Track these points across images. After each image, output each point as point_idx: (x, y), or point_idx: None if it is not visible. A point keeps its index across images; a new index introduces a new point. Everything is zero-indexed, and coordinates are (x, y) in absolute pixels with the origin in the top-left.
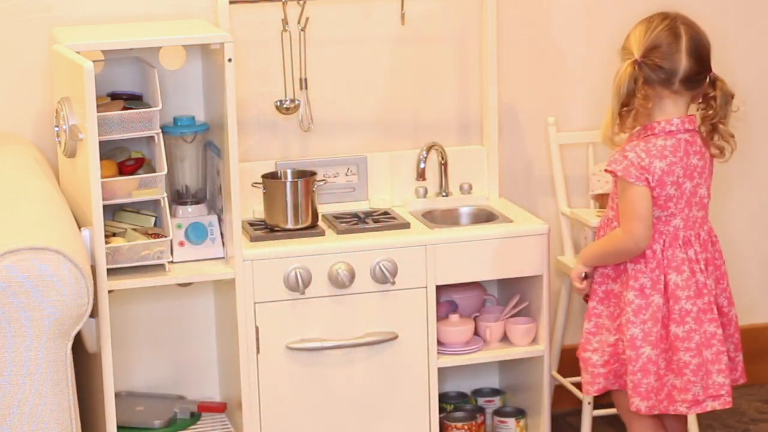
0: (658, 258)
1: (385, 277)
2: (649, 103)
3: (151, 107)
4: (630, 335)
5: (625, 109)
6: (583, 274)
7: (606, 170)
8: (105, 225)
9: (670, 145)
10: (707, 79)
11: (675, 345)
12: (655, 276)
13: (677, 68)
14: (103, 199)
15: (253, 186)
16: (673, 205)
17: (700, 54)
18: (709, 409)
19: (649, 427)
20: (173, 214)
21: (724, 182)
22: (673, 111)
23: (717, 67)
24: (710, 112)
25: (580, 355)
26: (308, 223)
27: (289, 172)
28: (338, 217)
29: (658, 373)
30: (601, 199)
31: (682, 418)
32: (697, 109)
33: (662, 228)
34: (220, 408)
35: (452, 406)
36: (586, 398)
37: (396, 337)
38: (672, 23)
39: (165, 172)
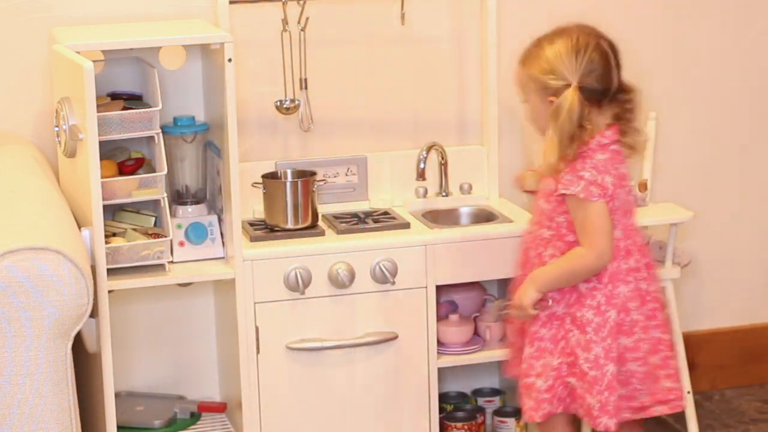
0: (609, 272)
1: (385, 277)
2: (595, 131)
3: (151, 107)
4: (594, 355)
5: (569, 139)
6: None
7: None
8: (105, 225)
9: (609, 159)
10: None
11: (624, 356)
12: (608, 291)
13: (611, 87)
14: (103, 199)
15: (253, 186)
16: (615, 216)
17: (620, 66)
18: (657, 413)
19: None
20: (173, 214)
21: (725, 182)
22: (601, 123)
23: (718, 66)
24: (629, 115)
25: (523, 381)
26: (308, 223)
27: (289, 172)
28: (338, 217)
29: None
30: None
31: (638, 424)
32: (611, 116)
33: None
34: (220, 408)
35: (452, 406)
36: None
37: (396, 337)
38: (598, 42)
39: (165, 172)
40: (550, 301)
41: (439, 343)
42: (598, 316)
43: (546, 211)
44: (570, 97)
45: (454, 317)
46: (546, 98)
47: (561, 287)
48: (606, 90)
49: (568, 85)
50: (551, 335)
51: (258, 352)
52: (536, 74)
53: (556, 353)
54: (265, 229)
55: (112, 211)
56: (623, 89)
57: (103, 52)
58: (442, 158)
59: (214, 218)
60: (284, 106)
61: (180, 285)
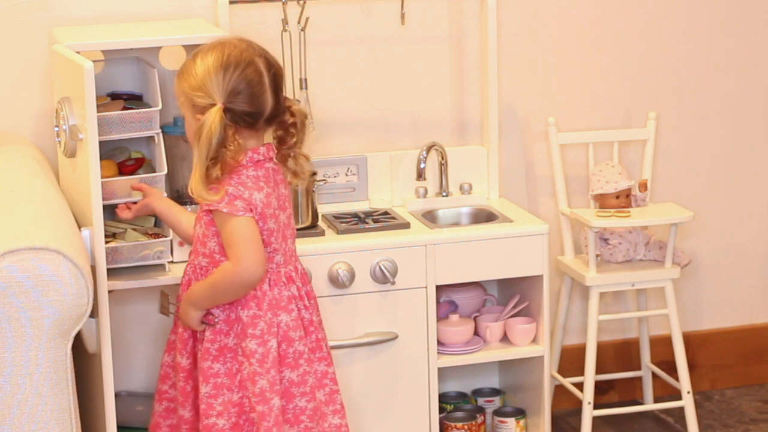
0: (269, 298)
1: (385, 277)
2: (240, 155)
3: (151, 107)
4: (259, 388)
5: (212, 161)
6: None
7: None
8: (105, 225)
9: (263, 176)
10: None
11: (290, 391)
12: (268, 319)
13: (263, 110)
14: (103, 199)
15: None
16: (274, 239)
17: (280, 88)
18: None
19: None
20: None
21: (725, 182)
22: (256, 142)
23: (718, 66)
24: (293, 140)
25: (203, 423)
26: (308, 223)
27: None
28: (338, 217)
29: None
30: (601, 199)
31: None
32: (274, 138)
33: (268, 266)
34: None
35: (452, 406)
36: (586, 398)
37: (396, 337)
38: (252, 60)
39: (165, 172)
40: (217, 318)
41: (439, 343)
42: (261, 347)
43: (199, 237)
44: (211, 118)
45: (454, 317)
46: (195, 115)
47: (217, 303)
48: (258, 113)
49: (214, 105)
50: (226, 370)
51: None
52: (186, 89)
53: (234, 387)
54: None
55: (112, 211)
56: (288, 113)
57: (103, 52)
58: (442, 158)
59: None
60: None
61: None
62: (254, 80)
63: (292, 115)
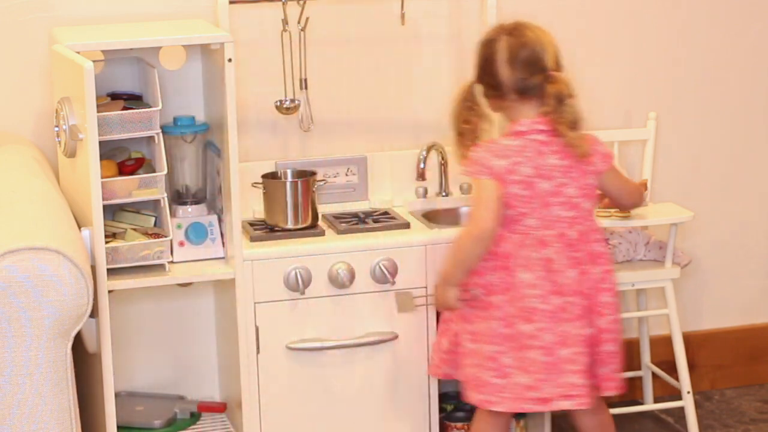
0: (504, 256)
1: (385, 277)
2: (483, 121)
3: (151, 107)
4: (475, 329)
5: (466, 126)
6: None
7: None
8: (105, 225)
9: (517, 145)
10: (547, 80)
11: (524, 343)
12: (500, 275)
13: (502, 80)
14: (103, 199)
15: (253, 186)
16: (521, 204)
17: (524, 60)
18: (558, 408)
19: (492, 424)
20: (173, 214)
21: (725, 182)
22: (525, 113)
23: (718, 66)
24: (547, 110)
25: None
26: (308, 223)
27: (289, 172)
28: (338, 217)
29: (499, 370)
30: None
31: (590, 414)
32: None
33: (514, 227)
34: (220, 408)
35: (452, 406)
36: None
37: (396, 337)
38: (495, 39)
39: (165, 172)
40: (478, 291)
41: None
42: (485, 296)
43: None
44: (459, 88)
45: None
46: None
47: (465, 270)
48: (499, 84)
49: None
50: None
51: (258, 352)
52: None
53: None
54: (265, 229)
55: (112, 211)
56: (548, 82)
57: (103, 52)
58: (442, 158)
59: (214, 218)
60: (284, 106)
61: (180, 285)
62: (486, 55)
63: (552, 82)
